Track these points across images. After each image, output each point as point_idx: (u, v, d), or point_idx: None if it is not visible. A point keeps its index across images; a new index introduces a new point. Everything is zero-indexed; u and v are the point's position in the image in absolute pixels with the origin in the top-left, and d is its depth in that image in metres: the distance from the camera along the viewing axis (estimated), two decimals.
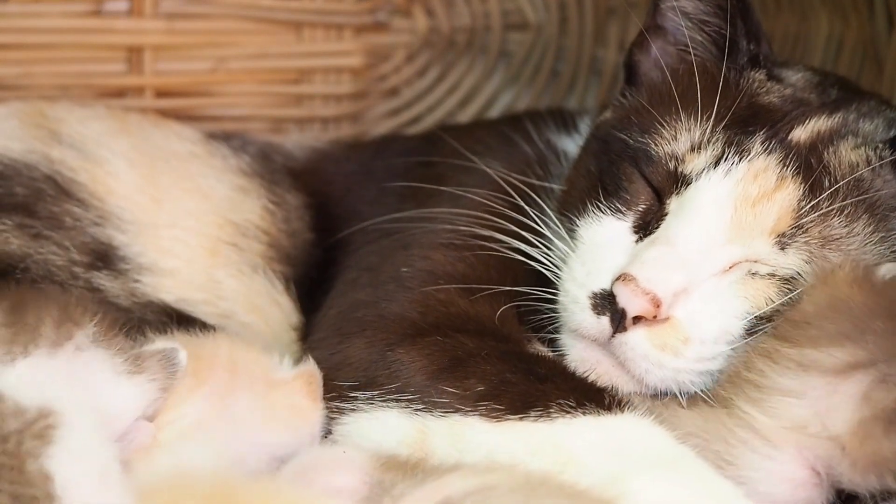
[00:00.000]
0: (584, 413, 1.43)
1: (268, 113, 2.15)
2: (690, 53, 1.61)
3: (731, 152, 1.55)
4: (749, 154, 1.55)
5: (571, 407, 1.43)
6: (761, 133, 1.56)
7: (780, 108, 1.60)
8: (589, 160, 1.66)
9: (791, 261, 1.52)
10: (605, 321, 1.52)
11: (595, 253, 1.57)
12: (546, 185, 1.69)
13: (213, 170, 1.80)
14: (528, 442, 1.42)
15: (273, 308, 1.72)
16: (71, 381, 1.36)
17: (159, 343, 1.44)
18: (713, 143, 1.56)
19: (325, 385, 1.52)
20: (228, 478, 1.35)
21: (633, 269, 1.51)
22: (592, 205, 1.59)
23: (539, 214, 1.62)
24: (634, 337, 1.51)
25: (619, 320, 1.51)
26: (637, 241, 1.56)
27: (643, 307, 1.49)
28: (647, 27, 1.67)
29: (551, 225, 1.62)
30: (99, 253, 1.67)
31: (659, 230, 1.55)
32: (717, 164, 1.55)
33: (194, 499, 1.32)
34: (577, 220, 1.60)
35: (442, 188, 1.69)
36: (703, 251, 1.52)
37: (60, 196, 1.69)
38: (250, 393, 1.48)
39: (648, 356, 1.50)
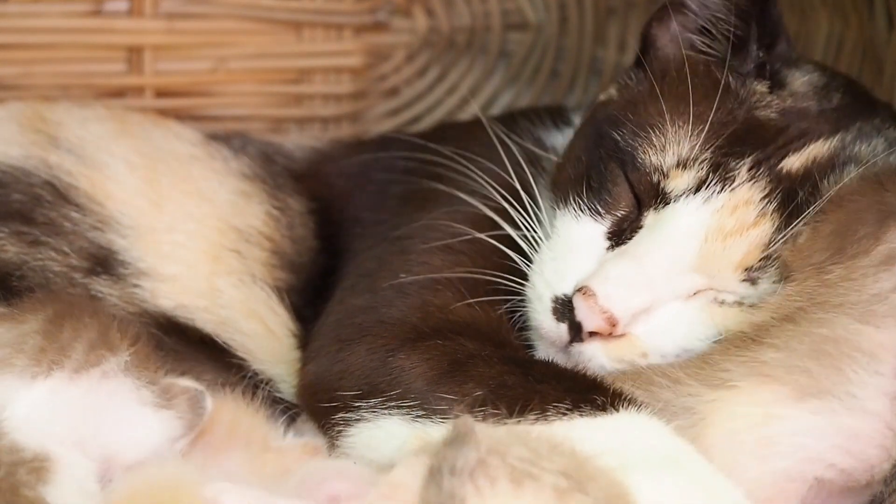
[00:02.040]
0: (580, 415, 1.42)
1: (268, 113, 2.15)
2: (700, 49, 1.59)
3: (715, 179, 1.52)
4: (733, 183, 1.52)
5: (568, 409, 1.42)
6: (750, 158, 1.53)
7: (776, 125, 1.57)
8: (581, 146, 1.64)
9: (759, 291, 1.51)
10: (563, 328, 1.52)
11: (566, 252, 1.56)
12: (541, 182, 1.67)
13: (214, 173, 1.79)
14: None
15: (271, 315, 1.71)
16: (83, 414, 1.36)
17: (186, 381, 1.45)
18: (699, 164, 1.53)
19: (328, 396, 1.52)
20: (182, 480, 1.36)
21: (595, 283, 1.50)
22: (574, 200, 1.58)
23: (536, 212, 1.61)
24: (590, 348, 1.51)
25: (577, 331, 1.51)
26: (608, 249, 1.55)
27: (598, 325, 1.49)
28: (670, 3, 1.62)
29: (545, 223, 1.61)
30: (98, 258, 1.67)
31: (630, 243, 1.54)
32: (698, 189, 1.52)
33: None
34: (559, 208, 1.60)
35: (439, 191, 1.69)
36: (668, 274, 1.51)
37: (59, 201, 1.68)
38: (244, 452, 1.49)
39: (605, 367, 1.51)
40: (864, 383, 1.40)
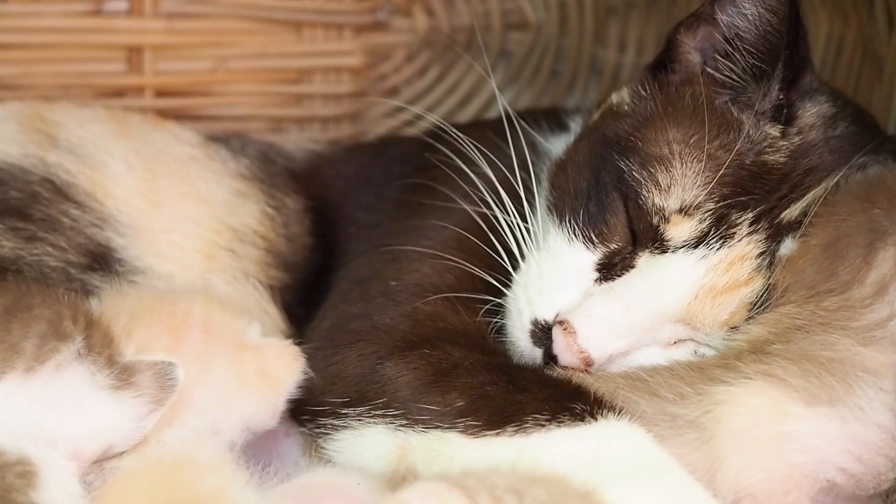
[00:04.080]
0: (559, 425, 1.42)
1: (268, 113, 2.15)
2: (722, 73, 1.55)
3: (717, 235, 1.50)
4: (732, 239, 1.50)
5: (546, 420, 1.42)
6: (753, 212, 1.51)
7: (782, 170, 1.54)
8: (585, 158, 1.61)
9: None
10: (538, 353, 1.53)
11: (553, 274, 1.55)
12: (535, 187, 1.66)
13: (212, 174, 1.79)
14: (506, 457, 1.40)
15: (262, 314, 1.71)
16: (42, 411, 1.34)
17: (154, 355, 1.41)
18: (702, 213, 1.51)
19: (318, 400, 1.52)
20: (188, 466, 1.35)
21: (577, 320, 1.50)
22: (570, 222, 1.56)
23: (529, 217, 1.60)
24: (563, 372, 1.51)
25: (551, 358, 1.51)
26: (596, 281, 1.54)
27: (573, 363, 1.50)
28: (702, 13, 1.58)
29: (538, 230, 1.60)
30: (96, 255, 1.67)
31: (619, 282, 1.52)
32: (697, 244, 1.51)
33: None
34: (553, 220, 1.58)
35: (434, 196, 1.68)
36: (652, 323, 1.50)
37: (57, 198, 1.68)
38: (224, 356, 1.47)
39: None
40: (869, 398, 1.42)
